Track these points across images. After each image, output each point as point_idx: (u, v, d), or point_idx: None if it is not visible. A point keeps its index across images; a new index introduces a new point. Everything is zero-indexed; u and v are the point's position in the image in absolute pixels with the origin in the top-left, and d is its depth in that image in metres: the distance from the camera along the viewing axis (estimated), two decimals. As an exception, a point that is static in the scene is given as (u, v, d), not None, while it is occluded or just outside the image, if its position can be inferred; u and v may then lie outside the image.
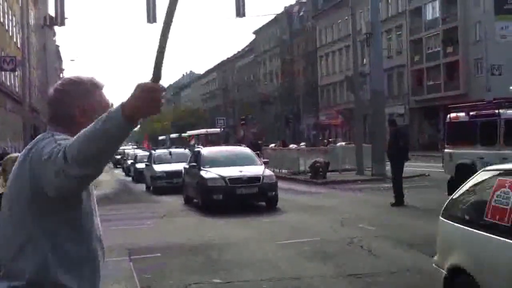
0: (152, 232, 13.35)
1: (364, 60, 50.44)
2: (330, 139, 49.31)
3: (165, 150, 28.89)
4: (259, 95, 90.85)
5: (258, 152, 31.04)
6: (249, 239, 11.58)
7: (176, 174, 22.26)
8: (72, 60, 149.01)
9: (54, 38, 78.70)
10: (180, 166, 21.37)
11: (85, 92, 2.51)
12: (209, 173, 16.79)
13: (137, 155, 35.68)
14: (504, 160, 14.34)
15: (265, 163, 18.75)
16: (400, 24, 61.86)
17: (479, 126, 15.47)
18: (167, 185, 23.30)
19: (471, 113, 15.96)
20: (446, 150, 16.96)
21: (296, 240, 11.11)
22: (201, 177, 16.76)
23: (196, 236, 12.33)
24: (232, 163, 17.48)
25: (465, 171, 15.69)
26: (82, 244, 2.44)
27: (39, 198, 2.30)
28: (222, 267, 9.21)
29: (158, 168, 24.49)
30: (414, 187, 19.73)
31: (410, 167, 22.31)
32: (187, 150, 27.28)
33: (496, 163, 14.48)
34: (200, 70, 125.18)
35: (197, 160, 18.13)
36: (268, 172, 17.34)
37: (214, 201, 16.34)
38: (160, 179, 23.83)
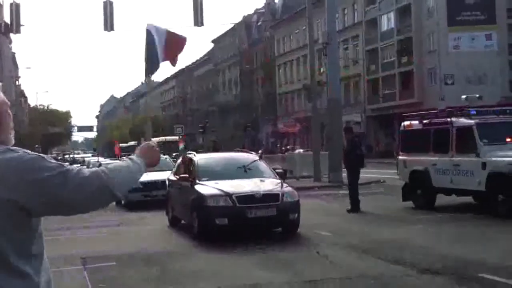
0: (107, 240, 13.21)
1: (321, 69, 50.92)
2: (288, 147, 49.47)
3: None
4: (218, 104, 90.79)
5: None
6: (207, 248, 11.54)
7: (156, 185, 18.99)
8: (28, 68, 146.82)
9: (10, 46, 77.35)
10: (161, 175, 17.90)
11: None
12: (208, 188, 12.36)
13: (101, 164, 32.52)
14: (456, 166, 14.69)
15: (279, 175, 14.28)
16: (357, 34, 62.69)
17: (432, 133, 15.78)
18: (144, 198, 19.50)
19: (424, 121, 16.27)
20: (400, 157, 17.24)
21: (254, 247, 11.12)
22: (198, 193, 12.31)
23: (152, 245, 12.24)
24: (237, 175, 13.05)
25: (418, 177, 16.02)
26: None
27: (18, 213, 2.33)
28: (177, 276, 9.17)
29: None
30: (370, 193, 19.99)
31: (367, 173, 22.60)
32: (166, 157, 23.39)
33: (448, 170, 14.87)
34: (159, 78, 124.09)
35: (190, 171, 13.56)
36: (287, 187, 12.87)
37: (217, 226, 11.98)
38: (136, 191, 18.70)
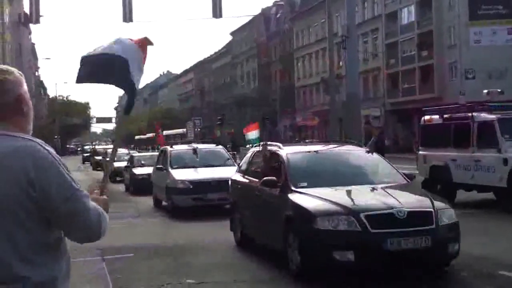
0: (126, 232, 13.24)
1: (340, 62, 50.68)
2: (306, 140, 49.27)
3: (185, 147, 19.96)
4: (235, 97, 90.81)
5: (235, 152, 31.03)
6: (221, 240, 11.50)
7: (211, 185, 15.03)
8: (47, 58, 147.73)
9: (29, 36, 77.88)
10: (216, 172, 15.11)
11: (18, 80, 2.49)
12: (314, 200, 8.35)
13: (133, 156, 27.64)
14: (476, 162, 14.52)
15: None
16: (376, 27, 62.25)
17: (452, 128, 15.61)
18: (194, 203, 15.19)
19: (444, 116, 16.10)
20: (420, 152, 17.09)
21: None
22: (297, 207, 8.37)
23: (169, 238, 12.24)
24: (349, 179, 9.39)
25: (438, 173, 15.86)
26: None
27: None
28: (196, 269, 9.15)
29: (179, 175, 15.83)
30: (388, 189, 19.80)
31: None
32: (221, 147, 19.51)
33: (469, 165, 14.70)
34: (177, 70, 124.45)
35: (276, 171, 9.65)
36: (439, 202, 8.58)
37: (335, 262, 7.94)
38: (184, 193, 15.25)
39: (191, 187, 15.01)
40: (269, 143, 10.88)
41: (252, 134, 29.37)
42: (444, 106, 18.94)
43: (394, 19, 59.27)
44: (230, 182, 11.57)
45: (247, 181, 10.63)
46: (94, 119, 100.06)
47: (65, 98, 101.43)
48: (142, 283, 8.37)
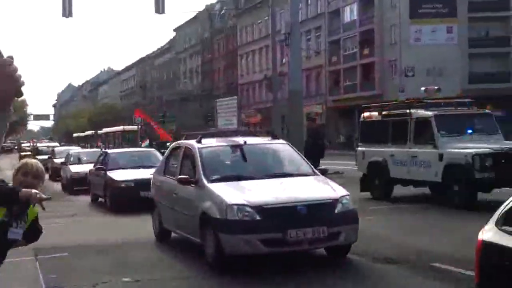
0: (61, 231, 12.96)
1: (284, 60, 50.92)
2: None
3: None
4: (179, 93, 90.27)
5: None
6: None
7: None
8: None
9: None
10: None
11: None
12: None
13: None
14: (413, 158, 14.81)
15: None
16: (319, 25, 62.83)
17: (391, 125, 15.87)
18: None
19: (383, 113, 16.35)
20: (359, 149, 17.30)
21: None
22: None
23: (106, 235, 12.05)
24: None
25: (376, 168, 16.10)
26: None
27: None
28: (132, 266, 9.03)
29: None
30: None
31: (326, 165, 22.62)
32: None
33: (406, 161, 14.98)
34: (119, 66, 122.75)
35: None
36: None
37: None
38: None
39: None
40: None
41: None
42: (383, 103, 19.25)
43: (337, 17, 59.95)
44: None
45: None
46: (31, 117, 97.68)
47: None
48: (76, 282, 8.20)
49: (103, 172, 17.54)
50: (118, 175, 16.89)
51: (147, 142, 30.35)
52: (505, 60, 52.55)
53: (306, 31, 61.04)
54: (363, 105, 19.13)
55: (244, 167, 9.56)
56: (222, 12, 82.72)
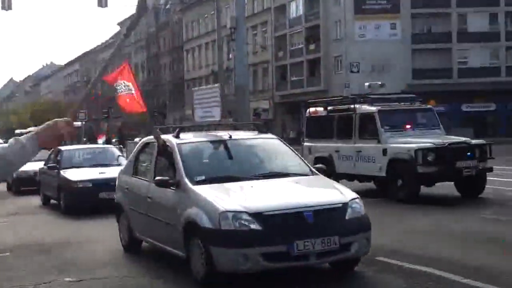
0: (2, 230, 12.64)
1: (230, 55, 50.84)
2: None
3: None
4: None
5: (121, 146, 30.33)
6: (106, 238, 11.21)
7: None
8: None
9: None
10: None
11: None
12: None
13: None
14: (358, 152, 14.98)
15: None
16: (265, 20, 62.98)
17: (336, 120, 16.01)
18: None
19: (329, 108, 16.48)
20: (305, 144, 17.41)
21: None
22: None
23: (52, 235, 11.79)
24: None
25: (322, 163, 16.20)
26: None
27: None
28: (74, 265, 8.85)
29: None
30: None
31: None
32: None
33: (351, 156, 15.15)
34: (62, 61, 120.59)
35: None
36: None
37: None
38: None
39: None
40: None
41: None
42: (329, 98, 19.41)
43: (283, 12, 60.22)
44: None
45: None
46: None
47: None
48: (17, 283, 7.97)
49: (56, 171, 15.87)
50: (73, 174, 15.18)
51: (103, 138, 27.33)
52: (447, 56, 53.80)
53: (252, 26, 61.13)
54: (308, 101, 19.24)
55: (232, 166, 8.21)
56: (167, 6, 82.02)
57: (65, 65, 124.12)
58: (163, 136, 8.53)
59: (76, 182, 14.73)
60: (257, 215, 6.77)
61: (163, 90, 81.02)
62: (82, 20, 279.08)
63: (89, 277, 8.09)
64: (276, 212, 6.86)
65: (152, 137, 8.95)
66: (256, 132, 9.27)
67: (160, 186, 7.96)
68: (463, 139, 14.59)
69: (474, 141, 14.57)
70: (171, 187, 7.81)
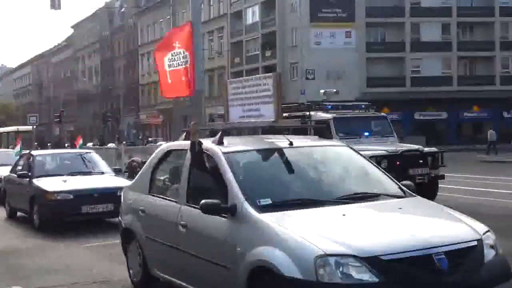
0: None
1: (186, 60, 50.57)
2: (150, 139, 48.73)
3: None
4: (77, 92, 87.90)
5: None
6: (58, 243, 10.96)
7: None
8: None
9: None
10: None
11: None
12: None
13: None
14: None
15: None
16: (222, 26, 62.96)
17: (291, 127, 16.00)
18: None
19: (284, 115, 16.46)
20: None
21: (107, 242, 10.67)
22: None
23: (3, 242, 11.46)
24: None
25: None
26: None
27: None
28: (24, 273, 8.60)
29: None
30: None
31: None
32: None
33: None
34: (12, 63, 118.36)
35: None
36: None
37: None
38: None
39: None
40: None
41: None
42: (284, 105, 19.38)
43: (239, 19, 60.32)
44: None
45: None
46: None
47: None
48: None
49: (27, 179, 13.54)
50: (49, 184, 12.79)
51: (80, 141, 24.84)
52: (401, 65, 54.69)
53: (208, 32, 60.99)
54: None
55: (303, 185, 5.92)
56: (122, 10, 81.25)
57: (16, 68, 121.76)
58: (203, 143, 6.22)
59: (53, 193, 12.39)
60: (372, 260, 4.57)
61: (116, 94, 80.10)
62: (34, 23, 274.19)
63: (38, 284, 7.87)
64: (400, 256, 4.63)
65: (176, 143, 7.12)
66: (316, 137, 7.42)
67: (209, 212, 5.57)
68: (416, 147, 14.79)
69: (426, 149, 14.79)
70: (222, 214, 5.54)
